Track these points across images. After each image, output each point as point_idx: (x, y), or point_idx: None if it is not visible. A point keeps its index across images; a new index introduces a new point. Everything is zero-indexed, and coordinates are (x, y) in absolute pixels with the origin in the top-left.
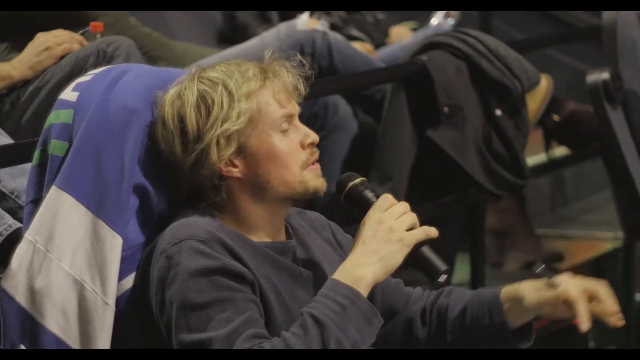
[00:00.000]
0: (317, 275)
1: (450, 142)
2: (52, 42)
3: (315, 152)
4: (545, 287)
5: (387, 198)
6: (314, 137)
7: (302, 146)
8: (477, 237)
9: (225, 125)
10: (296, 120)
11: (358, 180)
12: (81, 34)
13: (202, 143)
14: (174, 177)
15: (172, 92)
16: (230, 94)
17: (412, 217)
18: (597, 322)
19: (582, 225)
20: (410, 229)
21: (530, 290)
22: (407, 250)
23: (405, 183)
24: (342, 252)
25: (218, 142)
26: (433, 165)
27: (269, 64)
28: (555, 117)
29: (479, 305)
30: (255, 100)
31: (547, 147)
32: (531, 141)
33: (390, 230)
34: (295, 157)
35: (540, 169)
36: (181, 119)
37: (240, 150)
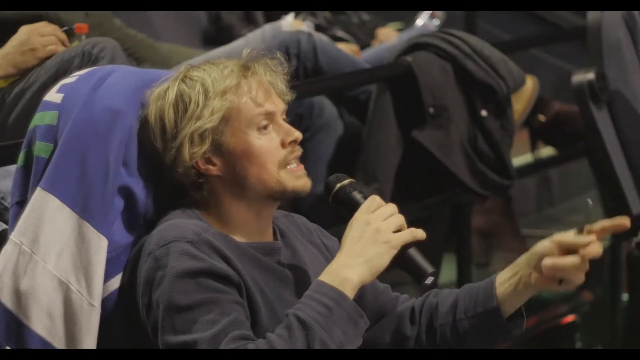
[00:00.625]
0: (302, 278)
1: (435, 142)
2: (38, 44)
3: (295, 150)
4: (535, 257)
5: (374, 199)
6: (296, 135)
7: (283, 144)
8: (463, 237)
9: (198, 123)
10: (278, 118)
11: (346, 181)
12: (64, 32)
13: (177, 140)
14: (159, 175)
15: (156, 91)
16: (206, 92)
17: (400, 219)
18: (584, 321)
19: (569, 226)
20: (398, 230)
21: (523, 264)
22: (393, 252)
23: (391, 184)
24: (329, 254)
25: (192, 140)
26: (419, 166)
27: (247, 62)
28: (541, 117)
29: (470, 294)
30: (230, 97)
31: (533, 147)
32: (517, 141)
33: (377, 231)
34: (272, 156)
35: (526, 170)
36: (161, 117)
37: (217, 148)
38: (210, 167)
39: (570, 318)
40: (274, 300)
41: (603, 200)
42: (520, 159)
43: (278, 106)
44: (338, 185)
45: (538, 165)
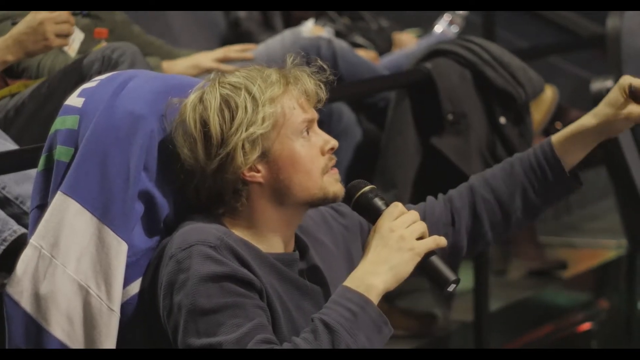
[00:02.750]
0: (320, 288)
1: (454, 149)
2: (51, 34)
3: (333, 158)
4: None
5: (397, 206)
6: (333, 143)
7: (322, 152)
8: None
9: (251, 130)
10: (315, 126)
11: (367, 187)
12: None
13: (226, 147)
14: (194, 182)
15: (193, 96)
16: (254, 99)
17: (422, 226)
18: (600, 329)
19: (586, 233)
20: (420, 237)
21: (587, 117)
22: (417, 259)
23: (409, 190)
24: (347, 230)
25: (243, 147)
26: (437, 173)
27: (289, 70)
28: (559, 126)
29: (528, 157)
30: (279, 105)
31: None
32: None
33: (401, 239)
34: (316, 163)
35: None
36: (204, 123)
37: (264, 155)
38: (255, 174)
39: (586, 326)
40: (292, 310)
41: (620, 208)
42: None
43: (315, 114)
44: (359, 191)
45: None
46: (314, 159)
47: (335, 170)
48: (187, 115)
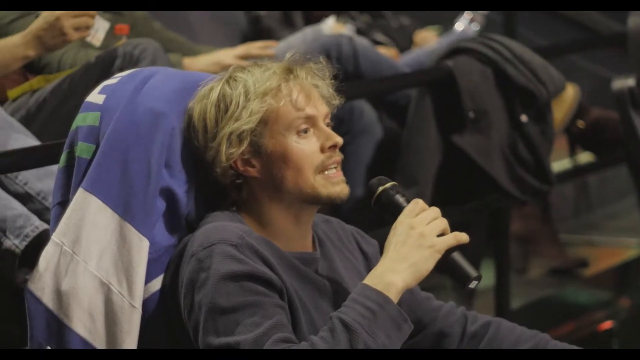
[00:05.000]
0: (339, 288)
1: (475, 147)
2: (69, 30)
3: (334, 155)
4: None
5: (417, 203)
6: (336, 139)
7: (322, 149)
8: (501, 242)
9: (236, 124)
10: (320, 123)
11: (389, 184)
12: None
13: (216, 140)
14: (201, 176)
15: (201, 91)
16: (246, 93)
17: (443, 223)
18: (621, 328)
19: (607, 232)
20: (441, 234)
21: None
22: (438, 256)
23: (430, 188)
24: (368, 262)
25: (230, 141)
26: (458, 170)
27: (292, 65)
28: (580, 124)
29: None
30: (269, 100)
31: (572, 153)
32: (555, 147)
33: (422, 236)
34: (309, 161)
35: (565, 175)
36: (203, 117)
37: (256, 150)
38: (249, 168)
39: (607, 324)
40: (312, 310)
41: None
42: (558, 164)
43: (320, 110)
44: (380, 188)
45: (576, 171)
46: (308, 156)
47: (337, 174)
48: (194, 109)
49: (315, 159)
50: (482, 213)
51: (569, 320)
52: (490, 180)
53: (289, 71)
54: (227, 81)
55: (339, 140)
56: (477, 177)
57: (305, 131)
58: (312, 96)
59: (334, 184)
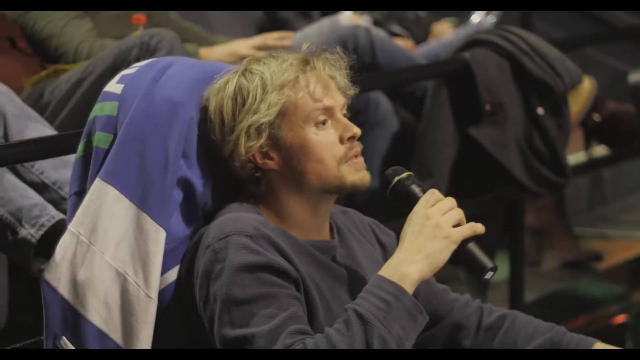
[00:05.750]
0: (358, 276)
1: (491, 139)
2: None
3: (355, 146)
4: None
5: (433, 193)
6: (354, 130)
7: (342, 140)
8: (516, 235)
9: (255, 117)
10: (337, 114)
11: (404, 174)
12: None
13: (234, 134)
14: (218, 168)
15: (217, 83)
16: (264, 86)
17: (459, 213)
18: (635, 322)
19: (621, 225)
20: (457, 225)
21: None
22: (453, 247)
23: (446, 180)
24: (385, 252)
25: (248, 134)
26: (474, 163)
27: (309, 56)
28: (596, 117)
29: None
30: (287, 92)
31: (587, 146)
32: (570, 140)
33: (437, 226)
34: (331, 151)
35: (579, 168)
36: (220, 110)
37: (275, 143)
38: (268, 161)
39: (621, 318)
40: (330, 299)
41: None
42: (572, 157)
43: (337, 101)
44: (396, 178)
45: (592, 164)
46: (328, 147)
47: (359, 159)
48: (210, 102)
49: (335, 150)
50: (497, 206)
51: (582, 313)
52: (505, 173)
53: (305, 62)
54: (243, 73)
55: (358, 131)
56: (493, 170)
57: (324, 122)
58: (330, 87)
59: (357, 170)
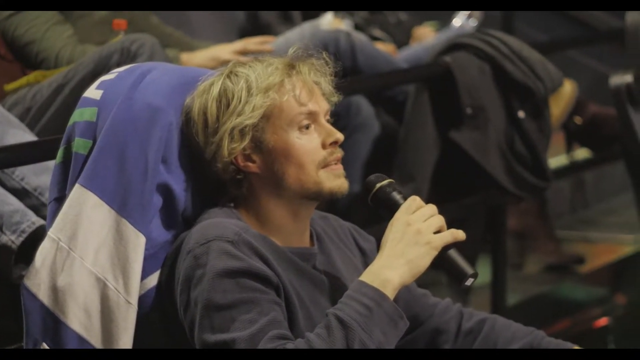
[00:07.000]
0: (337, 283)
1: (472, 143)
2: None
3: (335, 152)
4: None
5: (414, 200)
6: (337, 136)
7: (324, 145)
8: (498, 238)
9: (239, 119)
10: (321, 119)
11: (386, 181)
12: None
13: (217, 136)
14: (199, 172)
15: (201, 85)
16: (249, 88)
17: (440, 220)
18: (617, 324)
19: (603, 228)
20: (438, 231)
21: None
22: (434, 253)
23: (427, 184)
24: (365, 258)
25: (232, 136)
26: (455, 167)
27: (294, 60)
28: (577, 120)
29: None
30: (272, 95)
31: (569, 149)
32: (552, 143)
33: (418, 232)
34: (311, 156)
35: (561, 171)
36: (204, 112)
37: (257, 146)
38: (250, 164)
39: (603, 321)
40: (310, 305)
41: (638, 202)
42: (555, 160)
43: (321, 106)
44: (378, 185)
45: (573, 167)
46: (310, 152)
47: (338, 166)
48: (193, 104)
49: (317, 155)
50: (479, 209)
51: (565, 316)
52: (487, 177)
53: (291, 67)
54: (228, 76)
55: (340, 136)
56: (474, 173)
57: (307, 127)
58: (314, 92)
59: (336, 177)
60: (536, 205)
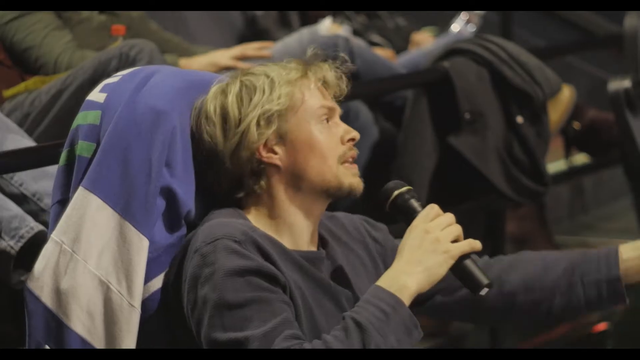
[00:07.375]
0: (343, 287)
1: (471, 148)
2: None
3: (354, 149)
4: None
5: (433, 208)
6: (354, 134)
7: (342, 141)
8: (497, 243)
9: (267, 106)
10: (337, 117)
11: (404, 188)
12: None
13: (243, 125)
14: (215, 170)
15: (214, 89)
16: (272, 81)
17: (458, 229)
18: (616, 329)
19: (601, 233)
20: (455, 240)
21: None
22: (452, 262)
23: (426, 189)
24: (380, 247)
25: (258, 123)
26: (454, 172)
27: (310, 60)
28: (576, 125)
29: (588, 261)
30: (296, 87)
31: (567, 154)
32: (551, 148)
33: (436, 241)
34: (333, 150)
35: (560, 177)
36: (223, 108)
37: (280, 136)
38: (272, 155)
39: (602, 326)
40: (314, 308)
41: (637, 207)
42: (553, 165)
43: (336, 104)
44: (396, 192)
45: (572, 173)
46: (331, 145)
47: (354, 166)
48: (208, 106)
49: (338, 149)
50: (477, 214)
51: (563, 321)
52: (485, 182)
53: (311, 65)
54: (245, 76)
55: (357, 134)
56: (473, 179)
57: (327, 121)
58: (331, 90)
59: (354, 175)
60: (535, 210)
